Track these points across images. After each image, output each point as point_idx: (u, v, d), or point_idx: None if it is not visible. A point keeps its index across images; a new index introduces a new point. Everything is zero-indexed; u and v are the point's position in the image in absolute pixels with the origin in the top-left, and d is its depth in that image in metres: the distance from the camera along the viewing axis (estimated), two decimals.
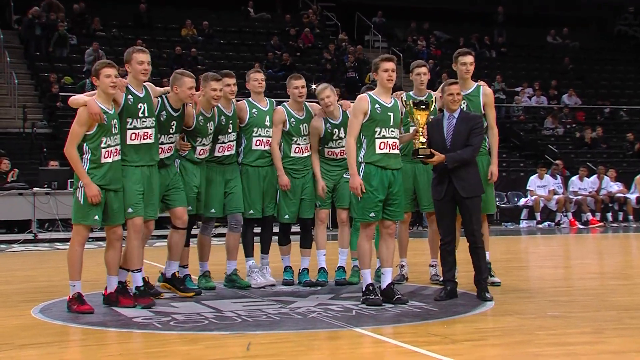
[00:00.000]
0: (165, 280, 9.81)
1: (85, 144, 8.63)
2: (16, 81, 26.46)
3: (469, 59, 10.64)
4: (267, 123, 10.44)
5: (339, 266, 10.90)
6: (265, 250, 10.85)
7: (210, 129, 9.86)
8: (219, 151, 10.20)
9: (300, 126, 10.57)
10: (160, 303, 9.25)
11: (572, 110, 32.74)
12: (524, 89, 32.67)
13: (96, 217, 8.69)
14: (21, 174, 20.34)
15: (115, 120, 8.75)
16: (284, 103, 10.78)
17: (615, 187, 25.56)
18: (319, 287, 10.47)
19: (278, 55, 31.04)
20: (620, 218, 25.29)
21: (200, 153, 9.84)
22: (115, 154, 8.75)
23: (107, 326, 8.13)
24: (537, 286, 10.91)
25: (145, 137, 9.02)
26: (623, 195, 25.41)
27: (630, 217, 25.04)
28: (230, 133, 10.24)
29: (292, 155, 10.56)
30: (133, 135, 8.98)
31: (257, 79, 10.53)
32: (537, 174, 24.83)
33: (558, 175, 25.14)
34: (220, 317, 8.43)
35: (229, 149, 10.28)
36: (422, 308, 8.93)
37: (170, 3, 33.33)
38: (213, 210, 10.19)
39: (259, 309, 8.91)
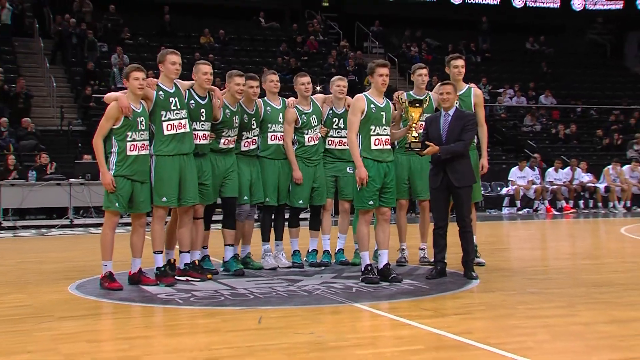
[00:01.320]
0: (190, 267, 9.65)
1: (113, 138, 8.67)
2: (54, 84, 26.46)
3: (460, 62, 10.68)
4: (281, 120, 10.35)
5: (339, 249, 10.90)
6: (279, 237, 10.73)
7: (236, 122, 9.76)
8: (244, 146, 10.12)
9: (310, 119, 10.50)
10: (181, 283, 9.21)
11: (548, 109, 32.79)
12: (505, 91, 32.67)
13: (117, 205, 8.71)
14: (59, 167, 20.34)
15: (142, 118, 8.77)
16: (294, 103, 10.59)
17: (586, 178, 25.60)
18: (323, 267, 10.45)
19: (286, 60, 31.00)
20: (591, 205, 25.34)
21: (225, 143, 9.73)
22: (141, 148, 8.76)
23: (135, 301, 8.16)
24: (517, 266, 10.90)
25: (180, 127, 9.03)
26: (593, 184, 25.46)
27: (599, 204, 25.15)
28: (254, 129, 10.17)
29: (306, 144, 10.47)
30: (169, 127, 8.99)
31: (273, 80, 10.49)
32: (517, 166, 24.81)
33: (536, 167, 25.14)
34: (235, 294, 8.44)
35: (253, 144, 10.22)
36: (415, 286, 8.94)
37: (191, 14, 33.28)
38: (245, 198, 10.08)
39: (269, 286, 8.93)
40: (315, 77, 29.74)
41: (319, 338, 6.28)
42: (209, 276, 9.49)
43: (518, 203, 24.29)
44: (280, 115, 10.35)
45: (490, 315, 7.29)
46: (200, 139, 9.36)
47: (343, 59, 32.08)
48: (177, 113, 9.04)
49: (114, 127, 8.64)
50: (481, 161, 10.56)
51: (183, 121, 9.07)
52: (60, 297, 8.63)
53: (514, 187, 24.44)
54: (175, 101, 9.06)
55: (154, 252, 9.10)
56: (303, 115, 10.44)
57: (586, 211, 24.78)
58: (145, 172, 8.87)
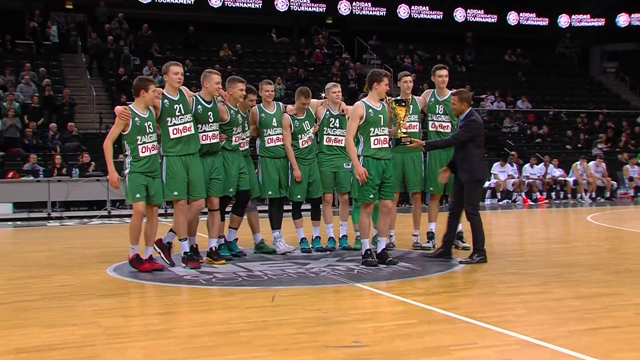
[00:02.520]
0: (207, 254, 9.57)
1: (126, 143, 8.70)
2: (94, 94, 26.56)
3: (444, 72, 10.68)
4: (275, 124, 10.29)
5: (343, 235, 10.87)
6: (277, 226, 10.67)
7: (241, 120, 9.75)
8: (242, 145, 10.08)
9: (302, 124, 10.45)
10: (203, 266, 9.22)
11: (524, 112, 32.76)
12: (487, 96, 32.60)
13: (138, 196, 8.68)
14: (98, 165, 20.33)
15: (149, 122, 8.75)
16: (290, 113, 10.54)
17: (557, 172, 25.66)
18: (328, 252, 10.42)
19: (295, 70, 30.99)
20: (562, 196, 25.41)
21: (236, 140, 9.70)
22: (152, 149, 8.77)
23: (163, 282, 8.15)
24: (498, 250, 10.86)
25: (185, 131, 8.97)
26: (563, 178, 25.52)
27: (569, 195, 25.26)
28: (245, 131, 10.10)
29: (300, 147, 10.42)
30: (175, 131, 8.94)
31: (268, 89, 10.33)
32: (499, 162, 24.88)
33: (514, 163, 25.18)
34: (251, 276, 8.43)
35: (246, 145, 10.20)
36: (409, 268, 8.91)
37: (211, 31, 33.27)
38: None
39: (281, 269, 8.92)
40: (320, 86, 29.79)
41: (325, 314, 6.28)
42: (223, 262, 9.41)
43: (499, 195, 24.39)
44: (275, 120, 10.25)
45: (475, 293, 7.30)
46: (210, 139, 9.31)
47: (345, 69, 32.09)
48: (181, 118, 9.00)
49: (124, 132, 8.65)
50: None
51: (187, 125, 9.03)
52: (100, 278, 8.65)
53: (495, 181, 24.51)
54: (180, 107, 9.01)
55: (180, 240, 9.08)
56: (296, 121, 10.40)
57: (557, 202, 24.84)
58: (156, 169, 8.88)
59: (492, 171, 24.99)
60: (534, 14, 39.80)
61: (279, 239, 10.49)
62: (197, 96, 9.27)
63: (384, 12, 36.96)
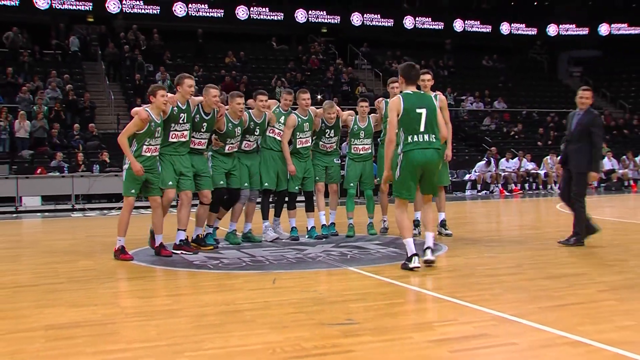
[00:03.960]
0: (194, 240, 9.60)
1: (135, 140, 8.67)
2: (112, 97, 26.65)
3: (428, 77, 10.58)
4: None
5: (331, 222, 10.97)
6: (278, 214, 10.80)
7: (238, 133, 9.73)
8: (245, 146, 10.09)
9: (304, 125, 10.51)
10: (212, 252, 9.29)
11: (500, 112, 32.81)
12: (467, 98, 32.65)
13: (133, 191, 8.75)
14: (116, 162, 20.34)
15: (159, 128, 8.76)
16: (296, 111, 10.59)
17: (530, 166, 25.80)
18: (324, 239, 10.44)
19: (293, 75, 30.95)
20: (534, 188, 25.54)
21: (229, 149, 9.73)
22: (154, 150, 8.82)
23: (175, 267, 8.17)
24: (478, 236, 10.89)
25: (182, 137, 9.08)
26: (535, 171, 25.69)
27: (540, 186, 25.46)
28: (256, 135, 10.13)
29: (298, 146, 10.50)
30: (174, 135, 9.01)
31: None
32: (484, 163, 25.09)
33: (492, 158, 25.25)
34: (254, 261, 8.44)
35: (252, 145, 10.21)
36: (397, 253, 8.90)
37: (218, 39, 33.30)
38: (246, 184, 10.06)
39: (281, 254, 8.93)
40: (316, 88, 30.00)
41: (321, 295, 6.29)
42: (209, 248, 9.47)
43: (478, 186, 24.49)
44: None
45: (456, 275, 7.31)
46: (197, 145, 9.38)
47: (338, 74, 32.10)
48: (182, 126, 9.07)
49: (138, 132, 8.62)
50: (446, 152, 10.41)
51: (185, 132, 9.12)
52: (118, 263, 8.65)
53: (477, 174, 24.66)
54: (184, 116, 9.07)
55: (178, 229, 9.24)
56: (298, 119, 10.45)
57: (530, 192, 24.99)
58: (155, 166, 8.90)
59: (475, 170, 25.28)
60: (524, 25, 40.07)
61: (269, 228, 10.51)
62: (199, 106, 9.28)
63: (392, 23, 37.10)
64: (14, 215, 18.87)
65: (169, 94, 8.94)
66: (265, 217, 10.52)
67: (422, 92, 7.99)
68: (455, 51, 37.42)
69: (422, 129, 7.48)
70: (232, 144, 9.77)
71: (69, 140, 23.44)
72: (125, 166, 8.74)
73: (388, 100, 10.76)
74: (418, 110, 7.49)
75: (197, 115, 9.25)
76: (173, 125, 8.99)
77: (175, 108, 8.98)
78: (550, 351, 4.46)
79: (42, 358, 4.45)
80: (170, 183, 8.98)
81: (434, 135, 7.52)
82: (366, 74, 34.23)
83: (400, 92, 7.81)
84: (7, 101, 24.36)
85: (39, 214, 19.05)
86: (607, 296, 6.07)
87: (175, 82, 9.16)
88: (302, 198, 11.00)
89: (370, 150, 11.13)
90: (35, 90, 25.08)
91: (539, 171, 25.74)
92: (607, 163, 27.23)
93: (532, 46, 40.70)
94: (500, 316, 5.33)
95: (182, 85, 9.01)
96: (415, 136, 7.46)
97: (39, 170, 20.87)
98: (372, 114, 11.28)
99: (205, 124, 9.32)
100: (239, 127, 9.76)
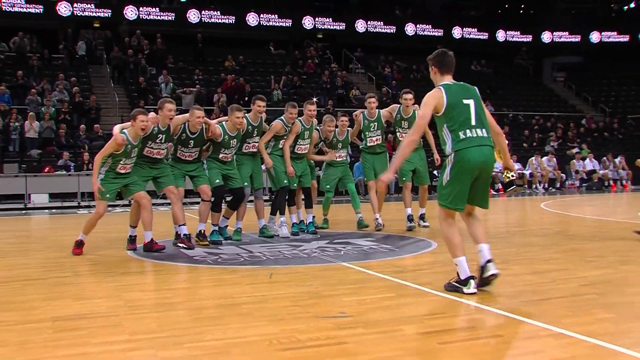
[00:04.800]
0: (196, 235, 9.63)
1: (110, 158, 8.80)
2: (117, 99, 26.64)
3: (409, 96, 11.23)
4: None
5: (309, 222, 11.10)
6: (274, 212, 10.81)
7: (233, 144, 9.78)
8: (245, 148, 10.18)
9: (305, 132, 10.76)
10: (212, 248, 9.28)
11: None
12: None
13: (107, 196, 8.88)
14: None
15: (136, 149, 8.87)
16: (299, 118, 10.73)
17: (516, 166, 25.76)
18: (316, 233, 10.77)
19: (290, 78, 30.98)
20: (525, 189, 25.56)
21: (223, 157, 9.77)
22: (128, 168, 8.93)
23: (176, 262, 8.16)
24: (466, 233, 10.87)
25: (157, 154, 9.22)
26: (521, 171, 25.62)
27: (526, 186, 25.37)
28: (254, 137, 10.19)
29: (297, 151, 10.76)
30: (148, 151, 9.14)
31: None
32: None
33: None
34: (252, 256, 8.43)
35: (254, 148, 10.26)
36: (388, 249, 8.93)
37: (218, 44, 33.24)
38: (246, 184, 10.11)
39: (278, 250, 8.92)
40: (311, 91, 30.06)
41: (316, 289, 6.28)
42: (205, 243, 9.47)
43: None
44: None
45: (444, 270, 7.27)
46: (186, 157, 9.55)
47: (333, 77, 32.14)
48: (158, 145, 9.18)
49: (115, 152, 8.72)
50: (435, 156, 11.40)
51: (162, 151, 9.27)
52: (121, 258, 8.65)
53: None
54: (162, 137, 9.16)
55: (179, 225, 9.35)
56: (302, 127, 10.71)
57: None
58: (130, 176, 9.00)
59: None
60: (519, 32, 40.40)
61: (284, 225, 10.56)
62: (185, 125, 9.36)
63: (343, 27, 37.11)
64: (23, 211, 18.89)
65: (152, 114, 9.07)
66: (273, 212, 10.65)
67: (462, 83, 6.33)
68: None
69: (473, 122, 5.91)
70: (226, 153, 9.81)
71: (75, 140, 23.49)
72: (101, 176, 8.86)
73: (365, 112, 11.51)
74: (465, 102, 6.00)
75: (184, 134, 9.38)
76: (150, 142, 9.11)
77: (156, 128, 9.08)
78: (534, 342, 4.47)
79: (50, 348, 4.44)
80: (139, 188, 9.10)
81: (485, 131, 5.96)
82: (360, 78, 34.27)
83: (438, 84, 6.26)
84: (17, 103, 24.48)
85: (46, 210, 19.05)
86: (587, 290, 6.09)
87: (158, 106, 9.23)
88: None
89: (345, 158, 11.93)
90: (43, 92, 25.13)
91: (524, 171, 25.73)
92: (589, 164, 27.44)
93: (518, 52, 40.84)
94: (486, 309, 5.34)
95: (162, 110, 9.11)
96: (468, 131, 5.86)
97: (46, 169, 20.93)
98: (349, 128, 11.78)
99: (192, 141, 9.45)
100: (235, 139, 9.80)
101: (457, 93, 6.03)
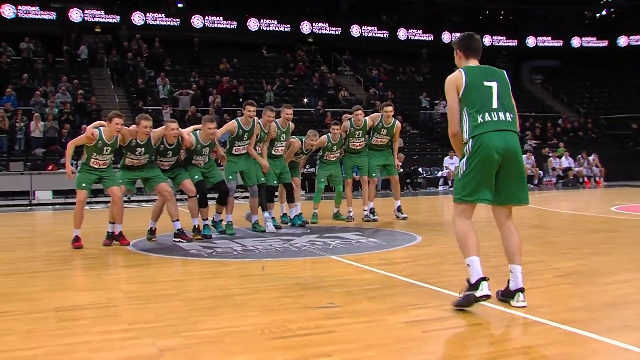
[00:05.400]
0: (192, 230, 9.68)
1: (85, 150, 9.01)
2: (117, 100, 26.61)
3: (390, 108, 11.97)
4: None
5: (299, 212, 11.47)
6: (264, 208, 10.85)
7: (205, 152, 9.84)
8: (235, 150, 10.32)
9: (281, 135, 11.01)
10: (207, 242, 9.28)
11: None
12: (440, 101, 32.67)
13: (83, 185, 9.00)
14: (117, 160, 20.30)
15: (108, 147, 8.99)
16: (276, 120, 10.94)
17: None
18: (305, 226, 11.03)
19: (282, 80, 30.99)
20: None
21: (196, 163, 9.79)
22: (102, 164, 9.06)
23: (173, 255, 8.16)
24: (449, 227, 10.92)
25: (138, 162, 9.31)
26: None
27: None
28: (245, 140, 10.30)
29: (273, 152, 10.99)
30: (129, 161, 9.32)
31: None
32: (449, 156, 25.03)
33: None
34: (245, 250, 8.42)
35: (243, 150, 10.37)
36: (375, 243, 8.94)
37: (213, 48, 33.29)
38: (230, 177, 10.30)
39: (269, 244, 8.91)
40: (302, 93, 30.08)
41: (305, 281, 6.30)
42: (198, 237, 9.51)
43: (450, 182, 24.51)
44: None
45: (429, 263, 7.32)
46: (165, 166, 9.62)
47: (323, 79, 32.18)
48: (138, 156, 9.25)
49: (87, 144, 8.91)
50: (395, 162, 12.30)
51: (142, 159, 9.33)
52: (121, 252, 8.64)
53: (447, 171, 24.66)
54: (141, 150, 9.22)
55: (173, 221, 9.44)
56: (277, 131, 10.94)
57: None
58: (105, 173, 9.13)
59: (443, 164, 25.26)
60: (505, 37, 40.73)
61: (268, 220, 10.57)
62: (163, 137, 9.40)
63: (339, 31, 37.32)
64: (28, 207, 18.86)
65: (132, 127, 9.13)
66: (265, 208, 10.67)
67: (488, 65, 5.49)
68: (430, 59, 37.60)
69: (495, 105, 5.04)
70: (198, 159, 9.88)
71: None
72: (77, 168, 9.09)
73: (352, 120, 12.06)
74: (487, 84, 5.13)
75: (162, 145, 9.42)
76: (129, 154, 9.21)
77: (133, 141, 9.12)
78: (512, 330, 4.51)
79: (54, 336, 4.45)
80: (120, 182, 9.35)
81: (511, 115, 5.10)
82: (348, 80, 34.27)
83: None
84: (22, 104, 24.51)
85: (50, 206, 18.99)
86: (561, 281, 6.13)
87: (135, 122, 9.25)
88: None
89: (336, 159, 12.23)
90: (47, 94, 25.11)
91: None
92: (565, 162, 27.52)
93: (499, 56, 41.01)
94: None
95: (138, 126, 9.13)
96: (487, 114, 4.99)
97: (50, 167, 20.92)
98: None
99: (169, 152, 9.53)
100: (208, 148, 9.86)
101: (479, 75, 5.19)
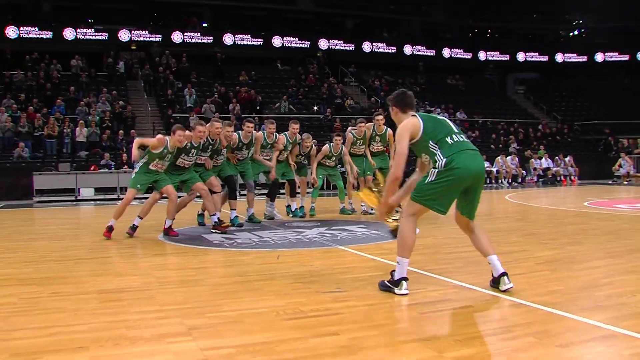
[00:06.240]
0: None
1: (147, 154, 8.97)
2: (149, 109, 26.58)
3: (380, 117, 12.02)
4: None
5: (301, 206, 11.94)
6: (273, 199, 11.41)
7: (224, 152, 10.01)
8: (238, 158, 10.56)
9: (289, 145, 11.42)
10: (227, 234, 9.25)
11: (462, 121, 32.73)
12: (435, 109, 32.56)
13: (138, 187, 9.06)
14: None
15: (169, 155, 9.01)
16: (284, 133, 11.41)
17: (485, 164, 25.43)
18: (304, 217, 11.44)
19: (295, 90, 30.96)
20: (488, 182, 25.49)
21: (181, 164, 9.49)
22: (160, 167, 9.04)
23: (198, 245, 8.15)
24: (443, 220, 10.85)
25: (160, 167, 9.15)
26: (489, 169, 25.60)
27: (493, 181, 25.46)
28: (243, 151, 10.47)
29: (279, 159, 11.33)
30: (153, 165, 9.08)
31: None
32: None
33: None
34: (262, 241, 8.42)
35: (242, 157, 10.57)
36: (378, 234, 8.92)
37: (234, 62, 33.22)
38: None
39: (283, 235, 8.91)
40: (313, 101, 30.04)
41: (316, 269, 6.29)
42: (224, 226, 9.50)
43: None
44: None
45: (426, 252, 7.29)
46: (185, 165, 9.51)
47: (331, 89, 32.12)
48: (164, 162, 9.15)
49: (154, 150, 8.88)
50: (391, 163, 11.92)
51: (192, 162, 9.47)
52: (153, 242, 8.65)
53: None
54: (194, 152, 9.43)
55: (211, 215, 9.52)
56: (287, 142, 11.37)
57: (485, 186, 24.81)
58: (159, 174, 9.13)
59: None
60: (498, 52, 40.81)
61: (274, 210, 11.32)
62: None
63: (352, 47, 37.64)
64: (74, 203, 18.98)
65: (187, 132, 9.20)
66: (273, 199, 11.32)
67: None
68: (426, 72, 37.64)
69: (455, 130, 5.07)
70: (217, 159, 9.99)
71: (115, 143, 23.53)
72: (136, 169, 9.09)
73: (354, 131, 12.17)
74: (440, 117, 5.20)
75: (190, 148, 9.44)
76: (157, 160, 9.07)
77: (165, 150, 9.00)
78: (498, 311, 4.50)
79: (97, 315, 4.50)
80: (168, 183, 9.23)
81: (466, 137, 5.14)
82: (353, 90, 34.25)
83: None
84: (69, 113, 24.71)
85: (92, 202, 19.08)
86: (542, 267, 6.12)
87: (172, 131, 9.15)
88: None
89: (335, 165, 12.44)
90: (90, 104, 25.26)
91: (491, 168, 25.72)
92: (545, 162, 27.46)
93: (486, 69, 41.08)
94: (460, 285, 5.36)
95: (194, 130, 9.25)
96: (454, 136, 4.98)
97: (92, 167, 21.06)
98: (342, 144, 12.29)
99: (169, 155, 9.47)
100: (225, 149, 10.01)
101: (428, 115, 5.16)
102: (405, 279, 4.96)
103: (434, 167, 4.90)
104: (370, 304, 4.71)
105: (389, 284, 5.04)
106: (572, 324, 4.12)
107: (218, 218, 9.49)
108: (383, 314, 4.44)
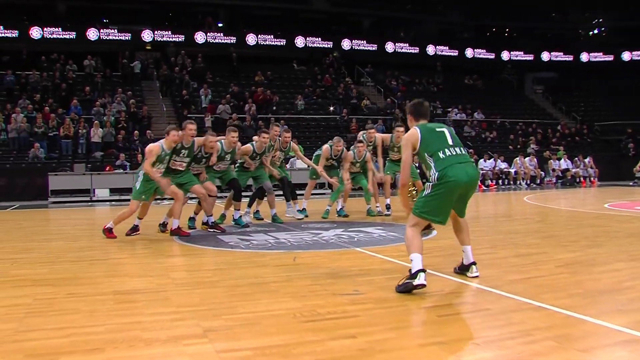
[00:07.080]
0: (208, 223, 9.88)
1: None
2: (165, 109, 26.82)
3: (401, 129, 11.92)
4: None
5: (303, 207, 12.26)
6: (288, 199, 11.92)
7: (227, 158, 10.08)
8: (217, 167, 10.32)
9: (270, 147, 11.40)
10: (243, 235, 9.22)
11: (479, 121, 32.67)
12: (452, 109, 32.53)
13: (143, 197, 9.23)
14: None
15: (168, 157, 9.16)
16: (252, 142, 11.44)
17: (503, 165, 25.68)
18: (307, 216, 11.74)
19: (310, 90, 31.02)
20: (506, 183, 25.47)
21: (178, 165, 9.54)
22: (160, 171, 9.14)
23: (214, 246, 8.18)
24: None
25: (180, 167, 9.41)
26: (507, 170, 25.58)
27: (511, 182, 25.43)
28: (226, 160, 10.25)
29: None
30: (173, 164, 9.31)
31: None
32: (483, 159, 25.19)
33: (472, 159, 25.28)
34: (278, 242, 8.43)
35: (224, 167, 10.35)
36: (395, 236, 8.89)
37: (250, 62, 33.36)
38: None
39: (300, 237, 8.91)
40: (329, 101, 30.06)
41: (333, 270, 6.27)
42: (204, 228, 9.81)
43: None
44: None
45: (443, 254, 7.27)
46: (196, 171, 9.82)
47: (348, 89, 32.11)
48: (182, 158, 9.45)
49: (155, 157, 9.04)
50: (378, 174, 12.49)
51: (184, 164, 9.55)
52: (168, 243, 8.70)
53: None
54: (186, 152, 9.49)
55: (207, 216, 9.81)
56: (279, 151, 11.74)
57: (503, 187, 24.86)
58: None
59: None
60: (522, 52, 40.99)
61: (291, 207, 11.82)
62: (202, 147, 9.68)
63: (375, 47, 37.48)
64: (89, 203, 19.11)
65: (201, 139, 9.49)
66: (289, 199, 11.85)
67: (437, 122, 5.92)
68: (444, 72, 37.54)
69: (450, 142, 5.46)
70: (219, 165, 10.09)
71: (130, 144, 23.65)
72: (140, 178, 9.15)
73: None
74: (439, 130, 5.55)
75: (200, 153, 9.73)
76: (174, 156, 9.30)
77: (179, 144, 9.34)
78: (517, 314, 4.45)
79: (112, 316, 4.51)
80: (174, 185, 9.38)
81: (462, 149, 5.52)
82: (370, 90, 34.23)
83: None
84: (85, 113, 24.88)
85: (107, 203, 19.19)
86: (562, 270, 6.05)
87: (182, 127, 9.40)
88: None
89: (360, 171, 12.54)
90: (105, 104, 25.40)
91: (510, 170, 25.66)
92: (564, 163, 27.30)
93: (504, 69, 40.92)
94: (478, 287, 5.32)
95: (185, 129, 9.34)
96: (447, 150, 5.39)
97: (107, 168, 21.16)
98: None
99: (204, 159, 9.82)
100: (229, 155, 10.10)
101: (431, 126, 5.53)
102: (423, 270, 5.10)
103: (429, 181, 5.39)
104: (387, 306, 4.69)
105: (406, 281, 5.11)
106: (593, 328, 4.08)
107: (213, 221, 9.80)
108: (401, 317, 4.43)
